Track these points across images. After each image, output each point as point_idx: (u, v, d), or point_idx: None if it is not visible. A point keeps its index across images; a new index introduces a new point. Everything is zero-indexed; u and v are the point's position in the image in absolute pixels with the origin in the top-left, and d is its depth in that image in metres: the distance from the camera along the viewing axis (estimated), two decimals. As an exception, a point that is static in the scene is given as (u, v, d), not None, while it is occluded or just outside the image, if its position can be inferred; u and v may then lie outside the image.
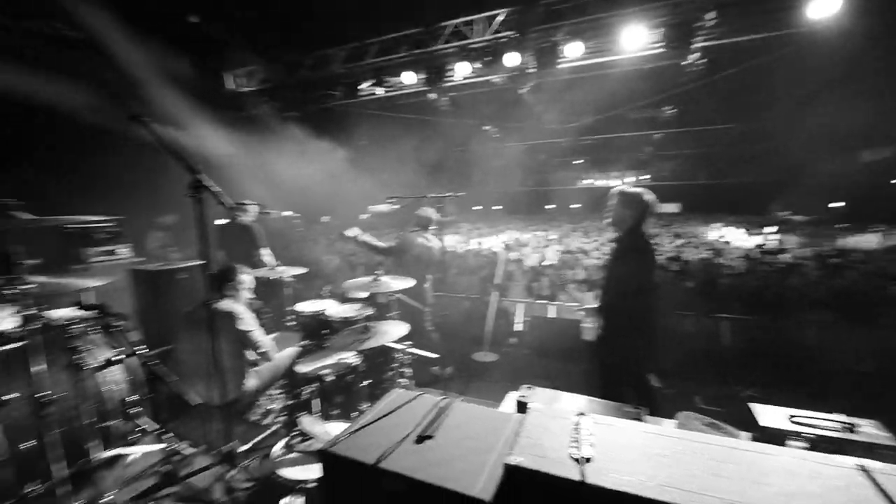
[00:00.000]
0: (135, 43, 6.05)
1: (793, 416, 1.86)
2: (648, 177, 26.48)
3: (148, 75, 6.36)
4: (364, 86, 8.76)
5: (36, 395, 1.77)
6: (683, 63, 6.99)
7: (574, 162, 28.81)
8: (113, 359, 2.47)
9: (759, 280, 5.96)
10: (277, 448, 2.22)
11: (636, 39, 6.52)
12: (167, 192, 4.74)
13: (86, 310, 2.09)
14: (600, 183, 28.24)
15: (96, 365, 2.43)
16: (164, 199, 6.89)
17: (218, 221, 5.01)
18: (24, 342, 1.76)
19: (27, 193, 1.81)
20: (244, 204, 4.97)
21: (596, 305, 3.04)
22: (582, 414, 1.48)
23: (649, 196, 2.86)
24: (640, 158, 27.37)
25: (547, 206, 26.32)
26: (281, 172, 8.03)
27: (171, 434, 2.56)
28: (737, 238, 10.79)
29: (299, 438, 2.23)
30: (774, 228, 11.90)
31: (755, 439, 1.86)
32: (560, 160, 27.94)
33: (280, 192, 7.56)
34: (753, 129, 17.79)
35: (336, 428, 2.32)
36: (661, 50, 6.66)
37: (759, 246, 8.64)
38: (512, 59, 7.00)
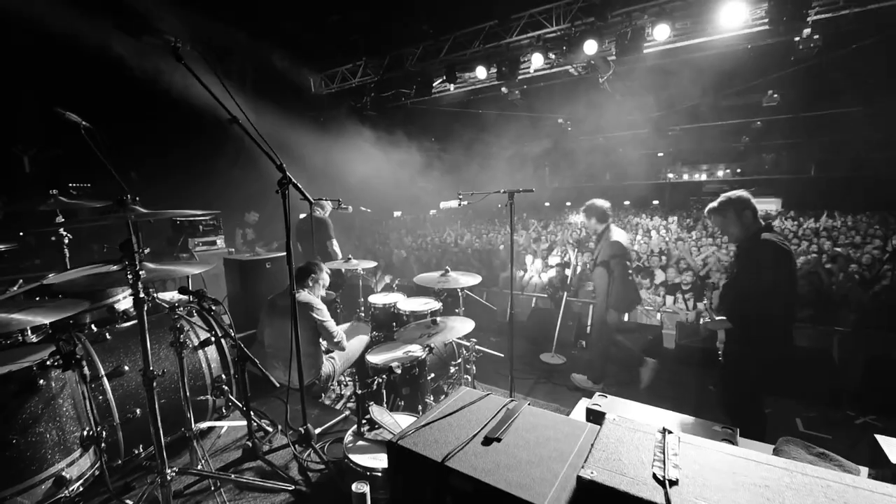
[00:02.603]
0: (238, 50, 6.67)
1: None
2: (739, 171, 24.03)
3: (248, 80, 6.99)
4: (437, 83, 8.85)
5: (148, 370, 1.98)
6: (797, 39, 6.07)
7: (658, 154, 26.90)
8: (209, 339, 2.73)
9: (881, 288, 5.11)
10: (349, 434, 2.31)
11: (735, 16, 5.84)
12: (252, 191, 5.18)
13: (187, 294, 2.31)
14: (686, 177, 26.30)
15: (194, 345, 2.70)
16: (249, 197, 7.56)
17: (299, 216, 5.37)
18: (138, 321, 1.98)
19: (141, 189, 2.04)
20: (321, 200, 5.26)
21: (720, 318, 2.81)
22: (667, 430, 1.35)
23: (745, 193, 2.76)
24: (735, 149, 24.86)
25: (625, 202, 24.81)
26: (356, 169, 8.40)
27: (254, 412, 2.77)
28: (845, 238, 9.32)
29: (368, 427, 2.30)
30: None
31: (876, 477, 1.56)
32: (641, 153, 26.21)
33: (355, 188, 7.91)
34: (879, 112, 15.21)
35: (403, 419, 2.36)
36: (765, 27, 5.91)
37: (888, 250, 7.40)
38: (590, 46, 6.63)
